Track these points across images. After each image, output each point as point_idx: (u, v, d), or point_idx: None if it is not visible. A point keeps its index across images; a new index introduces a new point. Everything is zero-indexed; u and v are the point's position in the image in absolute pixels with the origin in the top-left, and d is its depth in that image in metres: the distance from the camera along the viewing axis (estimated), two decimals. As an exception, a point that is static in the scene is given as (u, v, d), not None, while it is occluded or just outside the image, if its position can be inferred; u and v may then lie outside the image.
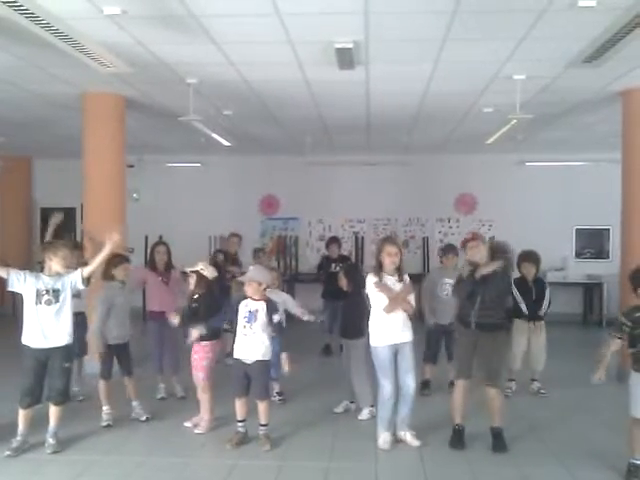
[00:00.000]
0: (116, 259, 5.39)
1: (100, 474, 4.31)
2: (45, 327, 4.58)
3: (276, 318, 4.75)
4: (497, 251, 4.84)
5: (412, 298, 4.82)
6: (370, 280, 4.78)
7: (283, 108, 7.63)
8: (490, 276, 4.66)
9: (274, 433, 4.93)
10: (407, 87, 6.64)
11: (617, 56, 5.28)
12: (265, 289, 4.87)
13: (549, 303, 6.29)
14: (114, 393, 5.39)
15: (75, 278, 4.66)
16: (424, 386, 6.17)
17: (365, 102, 7.33)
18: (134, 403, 5.43)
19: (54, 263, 4.62)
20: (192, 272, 5.18)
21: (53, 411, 4.71)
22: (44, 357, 4.61)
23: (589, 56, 5.30)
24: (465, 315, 4.81)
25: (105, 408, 5.30)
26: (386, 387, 4.71)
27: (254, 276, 4.80)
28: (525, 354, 6.25)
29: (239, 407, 4.81)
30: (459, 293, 4.96)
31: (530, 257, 6.25)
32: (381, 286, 4.71)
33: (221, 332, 5.24)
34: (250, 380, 4.73)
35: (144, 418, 5.36)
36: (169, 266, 6.28)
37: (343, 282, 5.68)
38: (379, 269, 4.77)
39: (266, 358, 4.75)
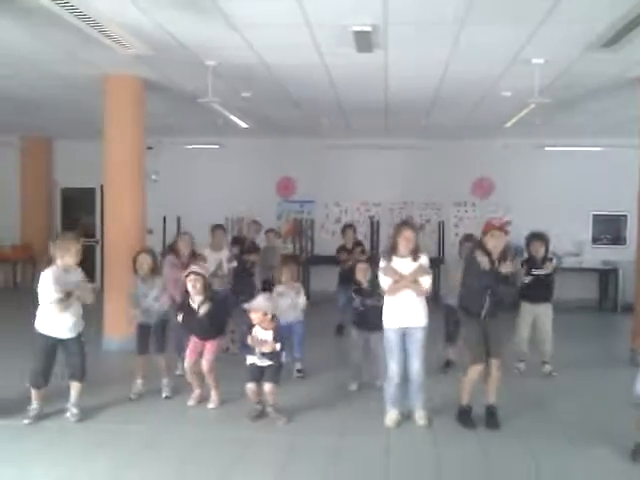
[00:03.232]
0: (137, 253, 5.67)
1: (121, 442, 4.48)
2: (62, 318, 4.77)
3: (278, 347, 4.87)
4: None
5: (427, 280, 4.82)
6: (380, 264, 4.88)
7: (301, 90, 7.68)
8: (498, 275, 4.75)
9: (291, 408, 5.10)
10: (425, 70, 6.64)
11: (636, 41, 5.25)
12: (273, 318, 4.94)
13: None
14: (144, 369, 5.62)
15: (81, 285, 4.88)
16: (446, 365, 6.39)
17: (383, 85, 7.35)
18: (164, 380, 5.58)
19: (67, 258, 4.77)
20: (197, 274, 5.23)
21: (75, 387, 4.93)
22: (57, 342, 4.83)
23: (608, 41, 5.27)
24: (474, 306, 4.87)
25: (138, 382, 5.52)
26: (392, 367, 4.83)
27: (259, 306, 4.89)
28: (532, 336, 6.34)
29: (250, 393, 4.96)
30: (471, 281, 4.94)
31: (539, 237, 6.32)
32: (387, 270, 4.80)
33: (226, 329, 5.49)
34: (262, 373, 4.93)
35: (164, 395, 5.52)
36: (193, 255, 6.37)
37: (364, 275, 5.70)
38: (392, 251, 4.84)
39: (277, 358, 4.92)
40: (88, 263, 12.20)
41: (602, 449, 4.42)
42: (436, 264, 10.21)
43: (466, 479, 4.01)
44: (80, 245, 4.85)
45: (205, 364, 5.25)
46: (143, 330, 5.56)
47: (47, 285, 4.68)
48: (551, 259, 6.34)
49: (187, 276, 5.19)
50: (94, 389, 5.36)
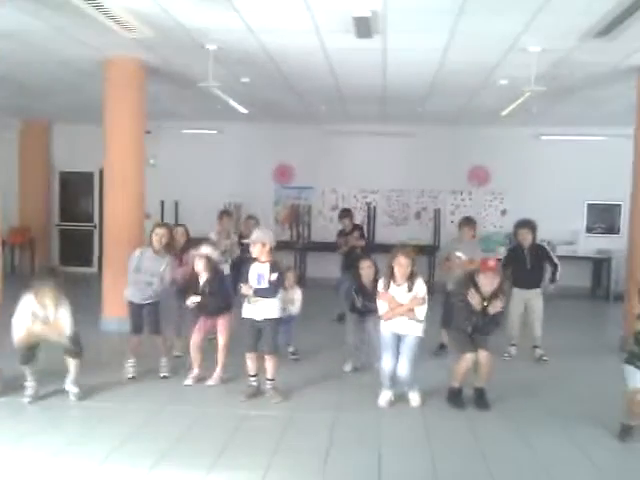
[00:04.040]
0: (154, 226, 5.75)
1: (118, 421, 4.58)
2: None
3: (274, 277, 4.96)
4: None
5: (422, 311, 4.90)
6: (379, 284, 5.02)
7: (300, 76, 7.72)
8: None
9: (286, 388, 5.21)
10: (423, 57, 6.70)
11: (631, 31, 5.32)
12: (270, 251, 5.05)
13: (555, 271, 6.44)
14: (142, 349, 5.71)
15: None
16: (440, 348, 6.51)
17: (381, 71, 7.39)
18: (163, 359, 5.67)
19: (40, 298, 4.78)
20: (200, 256, 5.38)
21: (73, 363, 4.97)
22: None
23: (603, 29, 5.33)
24: (461, 325, 5.03)
25: (130, 361, 5.58)
26: (386, 356, 4.97)
27: (258, 237, 5.03)
28: (522, 321, 6.48)
29: (250, 362, 5.10)
30: (458, 318, 5.07)
31: (525, 224, 6.43)
32: (384, 295, 4.93)
33: (233, 304, 5.52)
34: (260, 336, 5.02)
35: (161, 375, 5.62)
36: (186, 247, 6.36)
37: (368, 272, 5.78)
38: (390, 276, 4.95)
39: (275, 316, 5.01)
40: (86, 248, 12.47)
41: (589, 430, 4.55)
42: (432, 252, 10.41)
43: (455, 456, 4.13)
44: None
45: (222, 339, 5.43)
46: (136, 309, 5.62)
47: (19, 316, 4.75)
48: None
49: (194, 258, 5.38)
50: (93, 369, 5.46)
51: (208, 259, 5.37)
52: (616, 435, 4.37)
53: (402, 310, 4.89)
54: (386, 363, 4.96)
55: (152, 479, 3.65)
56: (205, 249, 5.44)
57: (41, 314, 4.78)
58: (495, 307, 4.88)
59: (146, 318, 5.61)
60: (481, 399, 5.00)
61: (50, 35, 6.12)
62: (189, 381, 5.46)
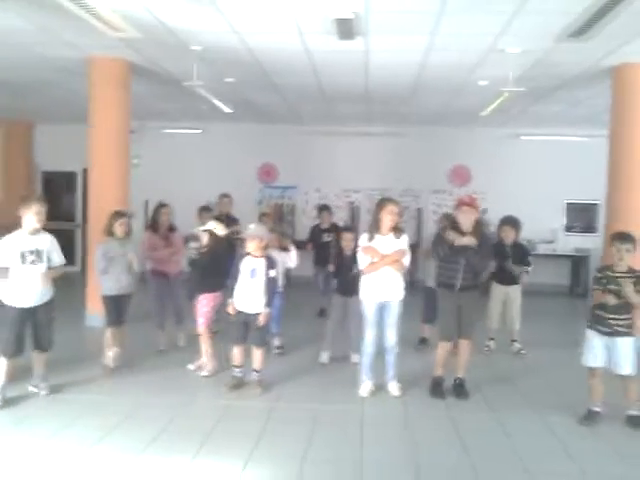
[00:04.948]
0: (116, 215, 5.74)
1: (102, 413, 4.63)
2: (32, 286, 4.77)
3: (271, 273, 5.10)
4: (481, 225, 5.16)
5: (407, 258, 5.03)
6: (361, 241, 5.06)
7: (284, 77, 7.82)
8: (466, 247, 4.97)
9: (269, 381, 5.31)
10: (405, 58, 6.82)
11: (606, 32, 5.50)
12: (265, 247, 5.17)
13: (528, 265, 6.60)
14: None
15: (55, 254, 4.92)
16: (421, 342, 6.63)
17: (364, 72, 7.51)
18: (115, 349, 5.71)
19: (29, 219, 4.73)
20: (205, 231, 5.51)
21: (41, 358, 4.97)
22: (30, 313, 4.82)
23: (579, 30, 5.49)
24: (448, 279, 5.08)
25: (109, 353, 5.65)
26: (368, 337, 5.07)
27: (255, 233, 5.12)
28: (502, 316, 6.63)
29: (237, 354, 5.20)
30: (438, 254, 5.16)
31: (509, 221, 6.58)
32: (368, 249, 4.98)
33: (223, 286, 5.53)
34: (249, 330, 5.11)
35: (113, 366, 5.65)
36: (172, 228, 6.55)
37: (349, 244, 5.95)
38: (375, 229, 5.02)
39: (264, 310, 5.09)
40: (68, 247, 12.40)
41: (562, 417, 4.72)
42: (414, 250, 10.51)
43: (435, 444, 4.24)
44: (41, 206, 4.77)
45: (200, 317, 5.51)
46: (113, 301, 5.68)
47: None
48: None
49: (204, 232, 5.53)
50: (75, 363, 5.55)
51: (211, 233, 5.48)
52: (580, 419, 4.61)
53: (388, 260, 4.93)
54: (368, 341, 5.06)
55: (138, 465, 3.73)
56: (211, 224, 5.58)
57: (32, 247, 4.74)
58: (465, 240, 4.94)
59: (123, 308, 5.76)
60: (460, 388, 5.15)
61: (34, 34, 6.15)
62: (192, 366, 5.62)
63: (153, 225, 6.53)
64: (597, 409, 4.62)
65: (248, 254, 5.13)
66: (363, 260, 5.02)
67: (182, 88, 7.30)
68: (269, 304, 5.12)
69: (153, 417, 4.55)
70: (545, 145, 11.45)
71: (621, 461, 4.04)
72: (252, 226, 5.27)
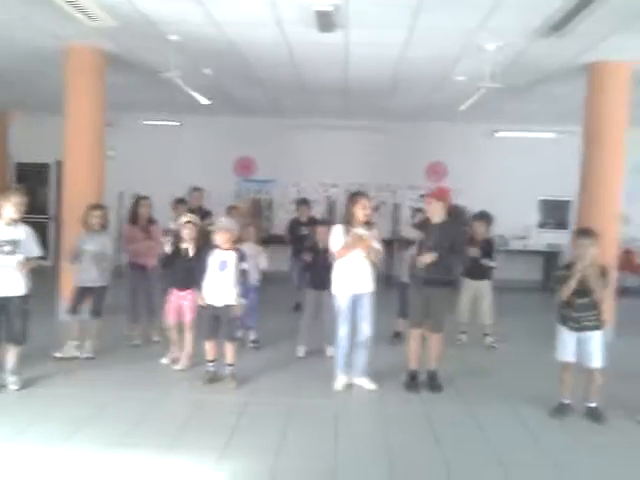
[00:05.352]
0: (92, 207, 5.79)
1: (74, 407, 4.57)
2: (7, 276, 4.73)
3: (243, 266, 5.09)
4: (454, 214, 5.22)
5: (377, 244, 5.08)
6: (335, 233, 5.05)
7: (263, 69, 7.77)
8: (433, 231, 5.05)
9: (244, 375, 5.29)
10: (384, 52, 6.81)
11: (581, 29, 5.57)
12: (236, 240, 5.16)
13: (491, 259, 6.67)
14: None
15: (31, 245, 4.87)
16: (395, 336, 6.65)
17: (343, 65, 7.50)
18: (88, 341, 5.73)
19: (7, 210, 4.73)
20: (187, 222, 5.44)
21: (14, 352, 4.90)
22: (4, 303, 4.77)
23: (554, 26, 5.54)
24: (419, 270, 5.11)
25: (71, 343, 5.66)
26: (342, 331, 5.09)
27: (225, 225, 5.12)
28: (473, 310, 6.72)
29: (209, 348, 5.18)
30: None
31: (480, 217, 6.66)
32: (344, 233, 5.00)
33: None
34: (219, 323, 5.09)
35: (84, 356, 5.67)
36: (151, 220, 6.50)
37: (324, 237, 5.94)
38: (347, 222, 5.04)
39: (234, 303, 5.08)
40: (41, 240, 12.17)
41: (534, 410, 4.80)
42: (390, 245, 10.59)
43: (408, 436, 4.28)
44: (20, 198, 4.78)
45: (188, 318, 5.48)
46: (80, 292, 5.71)
47: None
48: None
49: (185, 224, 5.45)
50: (47, 357, 5.50)
51: (194, 224, 5.44)
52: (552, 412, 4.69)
53: (363, 245, 4.95)
54: (342, 336, 5.08)
55: (110, 459, 3.69)
56: (187, 217, 5.53)
57: (7, 237, 4.72)
58: (432, 257, 4.95)
59: (93, 300, 5.76)
60: (433, 381, 5.20)
61: (9, 22, 6.03)
62: (165, 360, 5.56)
63: (133, 217, 6.50)
64: (567, 401, 4.72)
65: (217, 247, 5.11)
66: (335, 244, 5.02)
67: (159, 79, 7.21)
68: (243, 296, 5.11)
69: (126, 411, 4.51)
70: (520, 142, 11.56)
71: (591, 451, 4.12)
72: (222, 219, 5.28)
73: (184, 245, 5.42)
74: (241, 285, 5.11)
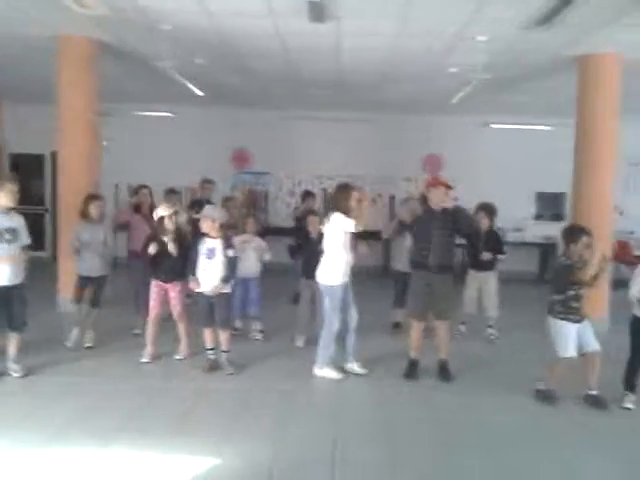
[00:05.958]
0: (91, 197, 5.81)
1: (75, 395, 4.61)
2: (8, 265, 4.75)
3: (230, 253, 5.12)
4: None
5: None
6: (340, 221, 5.05)
7: (256, 59, 7.75)
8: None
9: (243, 362, 5.39)
10: (376, 43, 6.80)
11: (570, 21, 5.58)
12: (221, 226, 5.16)
13: (501, 253, 6.67)
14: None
15: (23, 234, 4.91)
16: (395, 327, 6.67)
17: (336, 56, 7.49)
18: (88, 331, 5.79)
19: (2, 198, 4.76)
20: (161, 219, 5.41)
21: (15, 339, 4.95)
22: (5, 292, 4.80)
23: (542, 18, 5.54)
24: (421, 256, 5.14)
25: (75, 331, 5.71)
26: (336, 323, 5.14)
27: (208, 213, 5.17)
28: (478, 302, 6.70)
29: (207, 336, 5.23)
30: (416, 233, 5.34)
31: (483, 208, 6.63)
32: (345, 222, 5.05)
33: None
34: (213, 310, 5.14)
35: (85, 346, 5.73)
36: (152, 208, 6.49)
37: (314, 227, 6.02)
38: (343, 212, 5.07)
39: (226, 290, 5.12)
40: (37, 231, 12.22)
41: (528, 399, 4.85)
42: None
43: (404, 420, 4.35)
44: (13, 186, 4.82)
45: (175, 309, 5.47)
46: (83, 281, 5.76)
47: None
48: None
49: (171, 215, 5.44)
50: (48, 345, 5.55)
51: (175, 213, 5.44)
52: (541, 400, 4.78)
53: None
54: (335, 327, 5.14)
55: (111, 447, 3.72)
56: (161, 210, 5.48)
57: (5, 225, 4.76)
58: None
59: (93, 290, 5.79)
60: (443, 371, 5.25)
61: (1, 10, 6.00)
62: (145, 359, 5.50)
63: (137, 206, 6.60)
64: (554, 388, 4.80)
65: (205, 235, 5.14)
66: (340, 237, 5.07)
67: (153, 69, 7.21)
68: (226, 280, 5.11)
69: (127, 399, 4.55)
70: (515, 134, 11.58)
71: (591, 436, 4.22)
72: (207, 207, 5.33)
73: (164, 238, 5.39)
74: (229, 272, 5.11)
